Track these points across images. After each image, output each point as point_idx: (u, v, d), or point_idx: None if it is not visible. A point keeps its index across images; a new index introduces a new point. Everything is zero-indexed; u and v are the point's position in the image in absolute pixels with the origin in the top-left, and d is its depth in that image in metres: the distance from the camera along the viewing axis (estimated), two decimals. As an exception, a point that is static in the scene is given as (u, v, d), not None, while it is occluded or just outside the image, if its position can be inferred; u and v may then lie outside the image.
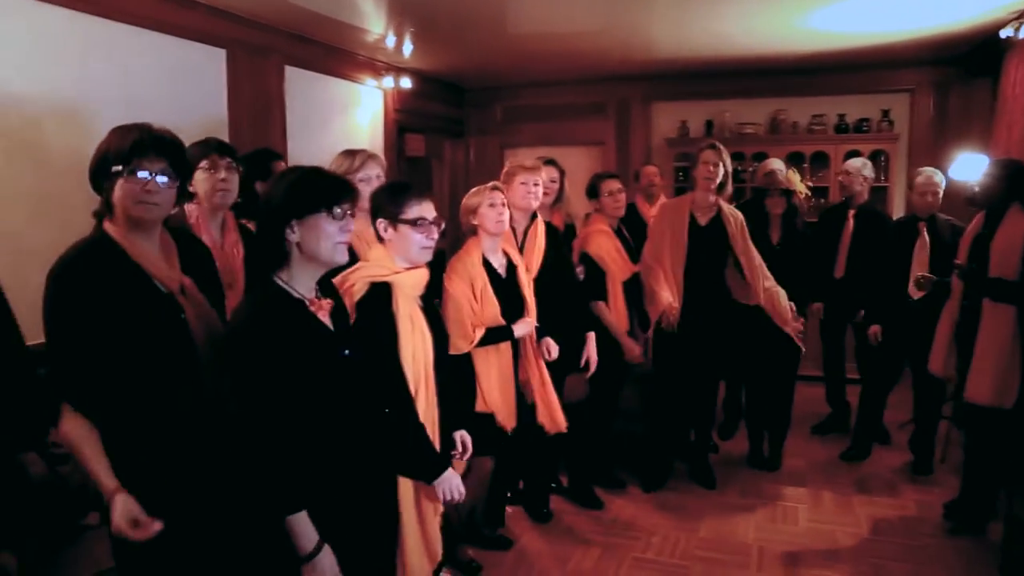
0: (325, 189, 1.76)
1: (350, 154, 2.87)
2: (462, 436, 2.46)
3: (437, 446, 2.26)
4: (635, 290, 3.88)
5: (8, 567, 1.80)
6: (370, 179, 2.81)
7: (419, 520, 2.23)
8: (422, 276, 2.27)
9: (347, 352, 1.86)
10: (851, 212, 4.50)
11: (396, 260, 2.22)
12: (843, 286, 4.47)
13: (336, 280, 2.22)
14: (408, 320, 2.19)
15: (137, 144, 1.77)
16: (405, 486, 2.20)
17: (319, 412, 1.74)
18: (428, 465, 2.18)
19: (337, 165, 2.81)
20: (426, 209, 2.22)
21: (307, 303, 1.77)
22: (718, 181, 3.75)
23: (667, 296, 3.70)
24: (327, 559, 1.73)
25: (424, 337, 2.23)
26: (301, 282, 1.77)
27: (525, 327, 3.04)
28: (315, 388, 1.73)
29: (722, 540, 3.50)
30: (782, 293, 3.86)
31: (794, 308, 3.91)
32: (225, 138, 4.15)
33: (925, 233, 4.08)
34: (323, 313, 1.80)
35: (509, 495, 3.85)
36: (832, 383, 4.93)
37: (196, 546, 1.90)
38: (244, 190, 2.67)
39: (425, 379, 2.23)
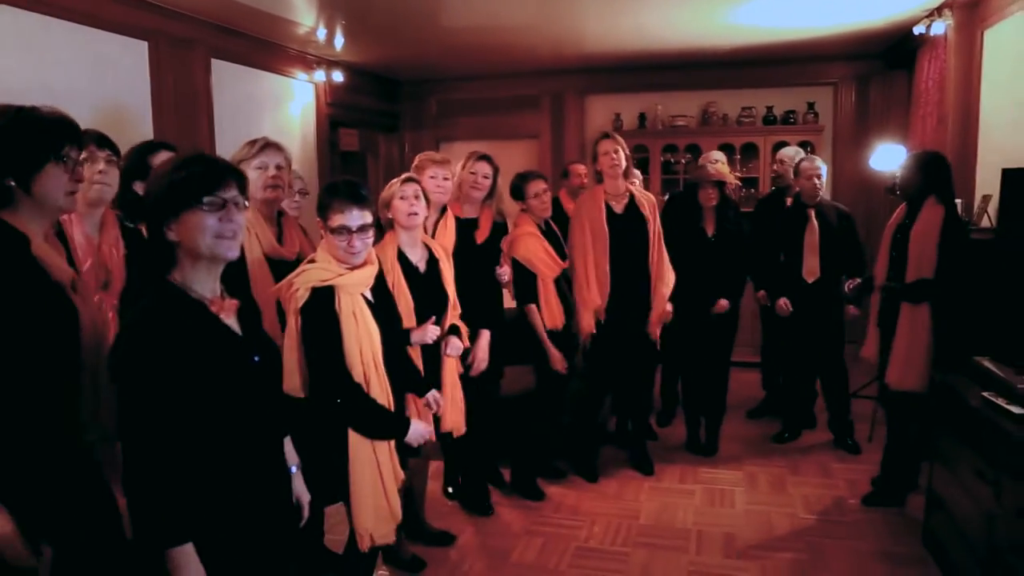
0: (193, 179, 1.55)
1: (251, 143, 2.77)
2: (433, 394, 2.69)
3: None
4: (568, 286, 3.90)
5: (42, 560, 1.70)
6: (267, 166, 2.71)
7: (377, 483, 2.37)
8: (369, 273, 2.37)
9: (256, 359, 1.68)
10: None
11: (337, 263, 2.32)
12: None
13: (282, 284, 2.33)
14: (351, 317, 2.30)
15: (64, 128, 1.73)
16: (361, 454, 2.34)
17: (218, 422, 1.56)
18: (394, 426, 2.40)
19: (237, 152, 2.74)
20: (348, 217, 2.27)
21: (208, 304, 1.60)
22: (622, 166, 3.81)
23: (588, 320, 3.80)
24: None
25: (369, 330, 2.34)
26: (199, 282, 1.60)
27: (422, 335, 2.86)
28: (216, 396, 1.55)
29: (662, 525, 3.56)
30: (665, 294, 3.92)
31: (670, 314, 3.95)
32: (149, 131, 4.03)
33: (814, 218, 4.28)
34: (227, 314, 1.63)
35: (450, 490, 3.84)
36: (770, 369, 5.07)
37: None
38: (123, 191, 2.56)
39: (375, 366, 2.35)
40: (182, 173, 1.56)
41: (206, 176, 1.56)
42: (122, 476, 1.52)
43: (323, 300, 2.25)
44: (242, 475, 1.62)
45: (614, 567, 3.20)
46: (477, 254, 3.47)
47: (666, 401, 4.96)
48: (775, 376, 5.04)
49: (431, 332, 2.86)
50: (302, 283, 2.27)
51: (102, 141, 2.41)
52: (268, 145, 2.76)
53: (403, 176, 2.97)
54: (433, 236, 3.24)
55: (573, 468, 4.15)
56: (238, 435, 1.61)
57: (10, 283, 1.65)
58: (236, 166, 1.70)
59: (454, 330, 3.06)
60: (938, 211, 3.39)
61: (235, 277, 1.81)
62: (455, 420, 3.06)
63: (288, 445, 1.90)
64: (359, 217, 2.28)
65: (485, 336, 3.40)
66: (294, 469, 1.90)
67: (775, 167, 4.81)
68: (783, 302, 4.37)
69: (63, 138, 1.70)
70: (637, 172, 4.75)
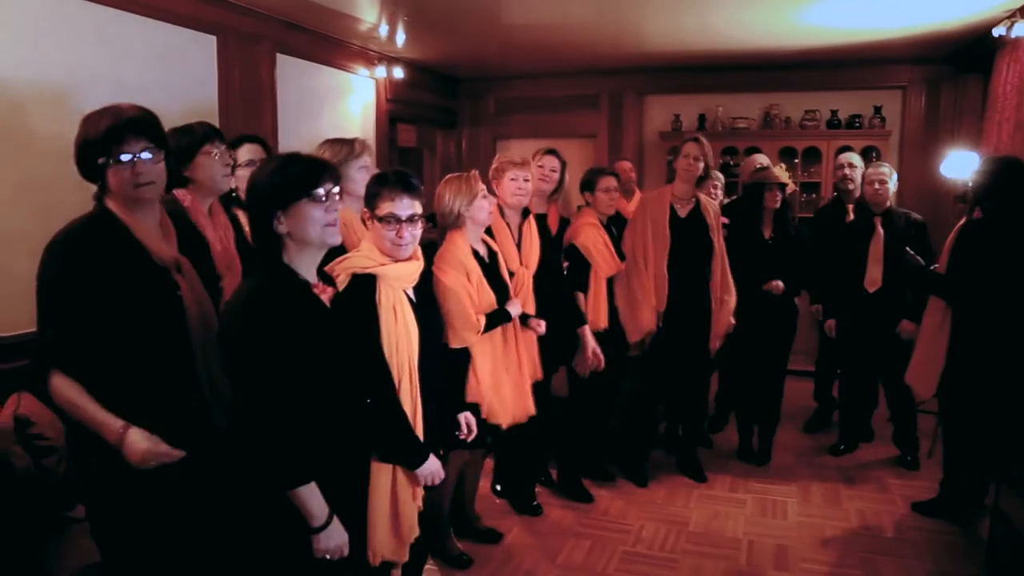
0: (302, 175, 1.74)
1: (346, 142, 2.84)
2: (466, 417, 2.60)
3: (420, 434, 2.26)
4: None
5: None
6: (369, 166, 2.81)
7: (392, 502, 2.23)
8: (414, 268, 2.25)
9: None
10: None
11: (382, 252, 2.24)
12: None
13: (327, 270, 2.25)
14: (391, 312, 2.17)
15: (112, 130, 1.77)
16: (380, 471, 2.20)
17: (319, 389, 1.75)
18: (410, 452, 2.21)
19: (334, 153, 2.75)
20: (398, 206, 2.17)
21: (312, 286, 1.79)
22: (698, 174, 3.76)
23: (651, 320, 3.75)
24: (337, 528, 1.74)
25: (408, 329, 2.21)
26: (302, 267, 1.78)
27: (516, 306, 3.04)
28: (318, 366, 1.74)
29: (712, 534, 3.51)
30: (730, 308, 3.89)
31: (732, 326, 3.91)
32: (216, 125, 4.12)
33: (879, 226, 4.13)
34: (326, 298, 1.82)
35: (498, 488, 3.84)
36: (824, 380, 4.94)
37: (185, 532, 1.90)
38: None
39: (409, 371, 2.21)
40: (294, 169, 1.74)
41: (313, 172, 1.75)
42: (239, 429, 1.73)
43: (363, 289, 2.15)
44: (332, 435, 1.81)
45: (662, 573, 3.16)
46: (551, 247, 3.51)
47: (719, 407, 4.88)
48: (828, 387, 4.91)
49: (519, 304, 3.04)
50: (343, 269, 2.15)
51: (219, 133, 2.52)
52: (366, 145, 2.86)
53: (474, 173, 2.96)
54: (519, 241, 3.30)
55: (622, 472, 4.11)
56: (332, 399, 1.80)
57: (117, 268, 1.77)
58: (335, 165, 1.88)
59: (525, 317, 3.14)
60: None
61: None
62: (525, 406, 3.08)
63: None
64: (409, 206, 2.18)
65: (587, 330, 3.57)
66: None
67: (842, 172, 4.63)
68: (830, 324, 4.33)
69: (112, 140, 1.78)
70: (719, 175, 4.67)
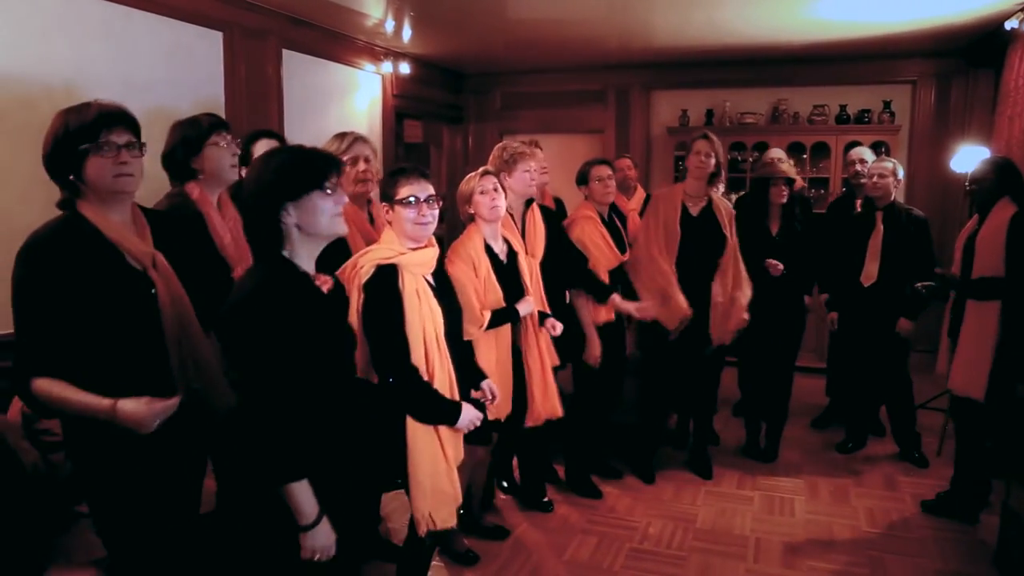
0: (314, 167, 1.77)
1: (339, 136, 2.90)
2: (488, 384, 2.66)
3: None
4: (622, 280, 3.79)
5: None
6: (357, 160, 2.84)
7: (435, 466, 2.33)
8: (431, 254, 2.37)
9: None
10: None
11: (405, 241, 2.32)
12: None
13: (347, 263, 2.33)
14: (415, 296, 2.29)
15: (102, 117, 1.78)
16: (420, 438, 2.31)
17: (320, 381, 1.76)
18: (445, 412, 2.34)
19: (333, 147, 2.83)
20: (417, 188, 2.30)
21: (312, 278, 1.81)
22: (710, 171, 3.73)
23: (684, 304, 3.66)
24: (325, 529, 1.74)
25: (432, 310, 2.33)
26: (302, 259, 1.79)
27: (528, 305, 3.03)
28: (319, 357, 1.75)
29: (719, 531, 3.49)
30: (743, 304, 3.82)
31: (746, 322, 3.84)
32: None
33: (880, 221, 4.11)
34: (326, 288, 1.84)
35: (505, 484, 3.84)
36: (836, 375, 4.92)
37: (179, 524, 1.92)
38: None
39: (438, 347, 2.33)
40: (304, 161, 1.77)
41: (324, 163, 1.78)
42: (235, 422, 1.74)
43: (387, 278, 2.27)
44: (336, 423, 1.83)
45: (670, 571, 3.15)
46: (560, 236, 3.54)
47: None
48: (840, 383, 4.89)
49: (532, 303, 3.04)
50: (367, 260, 2.29)
51: (226, 125, 2.55)
52: (357, 139, 2.88)
53: (480, 170, 2.99)
54: (523, 230, 3.31)
55: (630, 468, 4.10)
56: (334, 390, 1.82)
57: (88, 272, 1.75)
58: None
59: (542, 316, 3.13)
60: (1009, 211, 3.27)
61: (333, 260, 1.99)
62: (551, 405, 3.12)
63: None
64: (426, 189, 2.32)
65: (617, 297, 3.57)
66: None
67: (854, 167, 4.60)
68: (832, 316, 4.36)
69: (100, 127, 1.77)
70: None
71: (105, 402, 1.72)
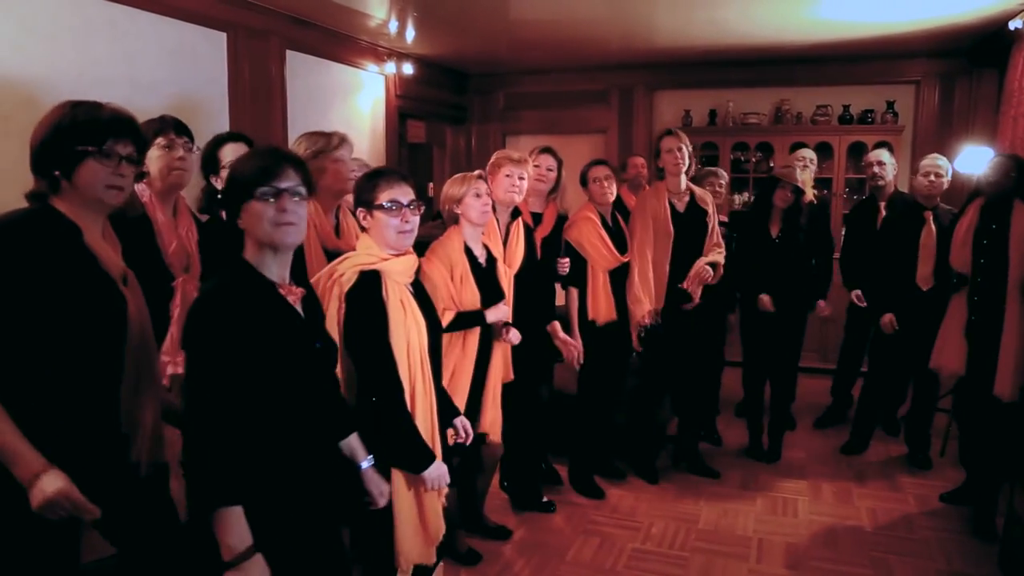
0: (251, 172, 1.66)
1: (323, 135, 2.74)
2: (462, 422, 2.43)
3: (436, 432, 2.22)
4: (622, 280, 3.78)
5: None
6: (344, 160, 2.72)
7: (415, 503, 2.17)
8: (412, 262, 2.22)
9: (319, 344, 1.80)
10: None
11: (382, 247, 2.16)
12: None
13: (323, 272, 2.18)
14: (399, 306, 2.13)
15: (113, 123, 1.69)
16: (401, 474, 2.13)
17: (279, 397, 1.64)
18: (416, 456, 2.12)
19: (311, 143, 2.70)
20: (399, 192, 2.13)
21: (277, 286, 1.70)
22: (685, 165, 3.72)
23: (644, 310, 3.68)
24: (258, 566, 1.56)
25: (418, 322, 2.16)
26: (267, 267, 1.69)
27: (498, 312, 2.92)
28: (279, 372, 1.63)
29: (722, 532, 3.49)
30: (717, 259, 3.79)
31: (710, 274, 3.75)
32: (225, 122, 4.14)
33: (931, 222, 4.01)
34: (294, 299, 1.73)
35: (507, 484, 3.84)
36: (844, 376, 4.90)
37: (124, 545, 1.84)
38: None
39: (421, 365, 2.16)
40: (246, 165, 1.69)
41: (265, 168, 1.66)
42: (182, 439, 1.60)
43: (371, 285, 2.09)
44: (296, 452, 1.68)
45: (672, 571, 3.15)
46: (541, 247, 3.48)
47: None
48: (849, 384, 4.87)
49: (504, 310, 2.93)
50: (347, 267, 2.11)
51: (180, 128, 2.45)
52: (345, 139, 2.78)
53: (476, 173, 2.94)
54: (505, 241, 3.23)
55: (632, 468, 4.10)
56: (296, 413, 1.68)
57: (60, 271, 1.63)
58: (299, 156, 1.81)
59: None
60: None
61: (296, 269, 1.84)
62: (492, 424, 3.00)
63: (356, 440, 1.97)
64: (409, 193, 2.15)
65: (556, 326, 3.47)
66: (365, 464, 1.98)
67: (872, 169, 4.55)
68: (889, 318, 4.11)
69: (108, 133, 1.68)
70: (723, 172, 4.57)
71: (36, 461, 1.55)
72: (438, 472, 2.14)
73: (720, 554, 3.29)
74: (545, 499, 3.72)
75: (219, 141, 2.84)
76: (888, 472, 4.17)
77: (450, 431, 2.39)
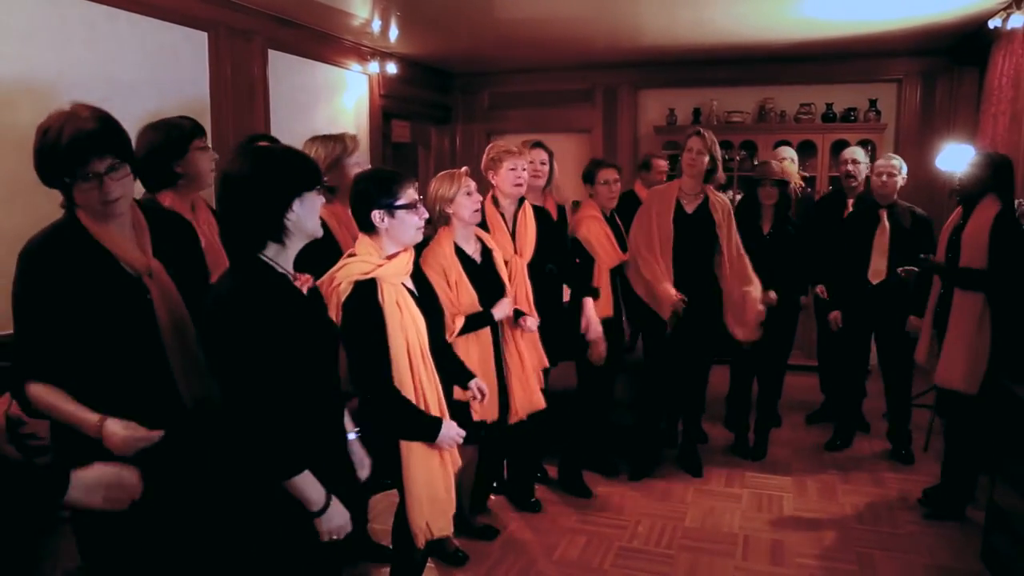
0: (315, 167, 1.80)
1: (337, 139, 2.82)
2: (477, 383, 2.60)
3: (446, 414, 2.33)
4: (624, 278, 3.87)
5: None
6: (361, 163, 2.80)
7: (435, 476, 2.30)
8: (407, 259, 2.28)
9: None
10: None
11: (385, 248, 2.22)
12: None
13: (324, 278, 2.22)
14: (395, 308, 2.20)
15: (73, 149, 1.68)
16: (412, 449, 2.27)
17: (305, 378, 1.76)
18: (425, 427, 2.26)
19: (328, 150, 2.76)
20: (412, 190, 2.25)
21: (291, 277, 1.78)
22: (704, 168, 3.72)
23: (671, 291, 3.65)
24: (338, 508, 1.78)
25: (415, 318, 2.25)
26: (284, 259, 1.77)
27: (503, 309, 2.98)
28: (303, 355, 1.75)
29: (708, 529, 3.50)
30: (756, 296, 3.82)
31: (763, 313, 3.84)
32: (207, 122, 4.10)
33: (885, 219, 4.10)
34: (305, 288, 1.83)
35: (495, 484, 3.84)
36: (827, 371, 4.94)
37: (169, 531, 1.89)
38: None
39: (423, 358, 2.27)
40: (306, 159, 1.81)
41: (316, 165, 1.84)
42: (231, 424, 1.71)
43: (366, 293, 2.19)
44: (319, 425, 1.83)
45: (658, 569, 3.16)
46: (554, 235, 3.50)
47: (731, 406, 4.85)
48: (830, 380, 4.91)
49: (507, 305, 2.98)
50: (344, 276, 2.19)
51: (204, 130, 2.54)
52: (356, 141, 2.86)
53: (463, 170, 2.93)
54: (513, 229, 3.27)
55: (628, 468, 4.10)
56: (316, 389, 1.81)
57: (81, 276, 1.74)
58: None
59: (518, 314, 3.09)
60: (994, 207, 3.31)
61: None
62: (531, 400, 3.09)
63: (346, 414, 2.07)
64: (415, 190, 2.28)
65: (589, 303, 3.52)
66: (352, 435, 2.08)
67: (846, 167, 4.60)
68: (835, 315, 4.29)
69: (89, 154, 1.70)
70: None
71: (93, 417, 1.71)
72: (449, 433, 2.28)
73: (706, 551, 3.30)
74: (533, 499, 3.72)
75: (252, 141, 2.88)
76: (872, 468, 4.20)
77: (474, 402, 2.65)
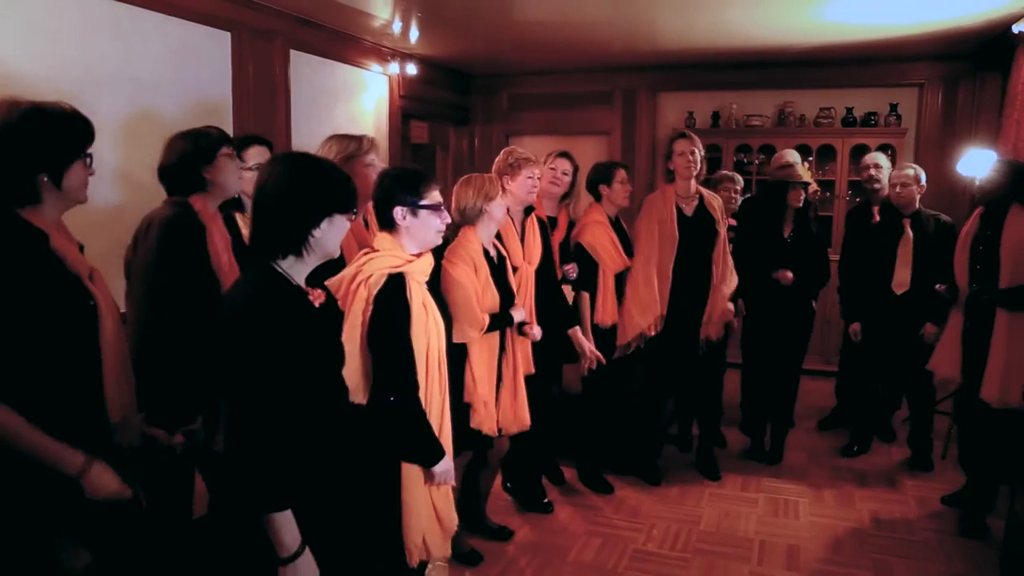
0: (353, 192, 1.78)
1: (354, 138, 2.77)
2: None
3: (448, 429, 2.26)
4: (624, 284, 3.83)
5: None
6: (374, 164, 2.77)
7: (428, 493, 2.20)
8: (429, 262, 2.25)
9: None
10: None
11: (406, 247, 2.18)
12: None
13: (346, 272, 2.16)
14: (422, 307, 2.16)
15: (88, 132, 1.81)
16: (412, 468, 2.17)
17: (316, 400, 1.71)
18: (429, 451, 2.16)
19: (341, 148, 2.71)
20: (437, 192, 2.23)
21: (306, 292, 1.75)
22: (697, 168, 3.73)
23: (648, 319, 3.71)
24: (308, 562, 1.63)
25: (438, 323, 2.22)
26: (297, 272, 1.73)
27: (521, 312, 3.01)
28: (313, 374, 1.70)
29: (723, 533, 3.49)
30: (726, 294, 3.85)
31: (731, 312, 3.88)
32: (229, 122, 4.15)
33: (909, 229, 4.06)
34: (318, 303, 1.78)
35: (509, 485, 3.85)
36: (847, 378, 4.89)
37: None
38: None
39: (439, 366, 2.22)
40: (347, 180, 1.79)
41: (352, 188, 1.80)
42: (229, 442, 1.64)
43: (399, 288, 2.10)
44: (329, 448, 1.75)
45: (673, 572, 3.15)
46: (552, 248, 3.49)
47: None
48: (851, 388, 4.87)
49: (524, 311, 3.01)
50: (374, 269, 2.10)
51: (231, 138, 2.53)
52: (374, 143, 2.80)
53: (495, 174, 2.97)
54: (523, 238, 3.27)
55: (633, 470, 4.10)
56: (328, 410, 1.74)
57: (29, 278, 1.67)
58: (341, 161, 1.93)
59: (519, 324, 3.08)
60: None
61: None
62: (517, 416, 3.03)
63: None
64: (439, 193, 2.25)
65: (578, 331, 3.51)
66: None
67: (868, 172, 4.55)
68: (855, 328, 4.27)
69: (87, 136, 1.80)
70: (739, 177, 4.60)
71: (78, 457, 1.66)
72: (446, 467, 2.18)
73: (722, 555, 3.29)
74: (545, 500, 3.72)
75: (243, 143, 2.87)
76: (889, 474, 4.17)
77: (472, 411, 2.76)
